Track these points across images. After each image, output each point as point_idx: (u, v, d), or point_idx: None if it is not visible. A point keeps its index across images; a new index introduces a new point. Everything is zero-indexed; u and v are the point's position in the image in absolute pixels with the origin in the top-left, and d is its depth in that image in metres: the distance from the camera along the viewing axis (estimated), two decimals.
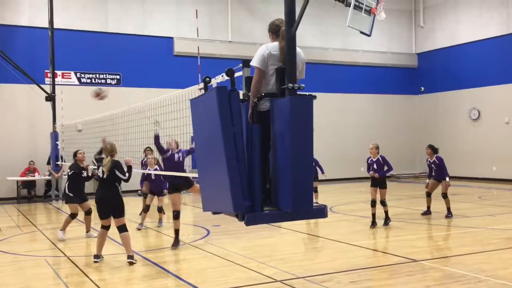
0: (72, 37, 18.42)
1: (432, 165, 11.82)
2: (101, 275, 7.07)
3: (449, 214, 11.51)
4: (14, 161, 17.26)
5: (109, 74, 19.19)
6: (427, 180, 12.04)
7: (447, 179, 11.59)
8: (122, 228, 7.65)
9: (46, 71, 17.70)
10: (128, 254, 7.60)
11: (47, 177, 17.44)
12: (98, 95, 11.07)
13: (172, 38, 20.08)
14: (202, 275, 7.01)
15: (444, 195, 11.58)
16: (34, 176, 17.29)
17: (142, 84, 19.18)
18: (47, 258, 8.32)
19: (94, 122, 15.34)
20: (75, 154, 10.11)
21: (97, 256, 7.75)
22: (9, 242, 9.90)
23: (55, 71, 17.35)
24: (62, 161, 16.63)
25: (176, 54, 20.09)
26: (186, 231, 10.17)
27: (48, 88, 17.23)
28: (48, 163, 17.42)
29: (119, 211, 7.65)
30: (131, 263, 7.48)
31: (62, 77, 18.30)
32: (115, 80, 19.31)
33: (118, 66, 19.26)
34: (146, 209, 11.08)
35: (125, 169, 7.80)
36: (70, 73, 18.59)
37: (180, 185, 8.91)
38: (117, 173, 7.65)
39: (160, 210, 11.27)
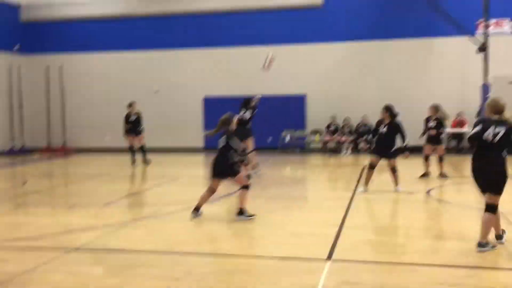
0: None
1: None
2: None
3: None
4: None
5: None
6: None
7: None
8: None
9: (479, 19, 17.26)
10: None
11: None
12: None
13: None
14: None
15: None
16: (462, 128, 17.47)
17: None
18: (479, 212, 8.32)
19: None
20: None
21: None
22: (440, 191, 10.39)
23: (488, 21, 16.71)
24: None
25: None
26: None
27: (480, 39, 16.81)
28: (478, 115, 17.19)
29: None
30: None
31: (495, 26, 17.49)
32: None
33: None
34: None
35: None
36: (503, 20, 17.58)
37: None
38: None
39: None
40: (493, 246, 5.99)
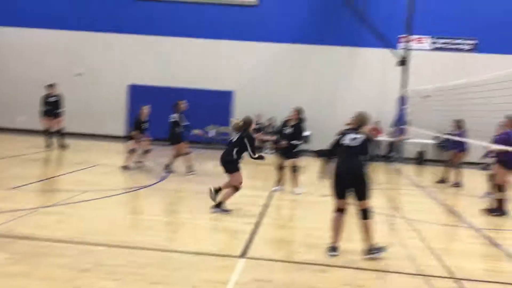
0: (430, 0, 18.26)
1: None
2: (439, 244, 7.02)
3: None
4: None
5: (464, 39, 18.41)
6: None
7: None
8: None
9: (401, 34, 18.12)
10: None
11: (389, 139, 18.19)
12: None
13: None
14: None
15: None
16: (378, 137, 18.29)
17: (502, 50, 17.77)
18: (384, 216, 8.76)
19: (443, 90, 15.04)
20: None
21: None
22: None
23: (409, 36, 17.59)
24: (407, 126, 17.05)
25: None
26: None
27: (401, 53, 17.65)
28: (393, 125, 18.08)
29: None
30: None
31: (416, 42, 18.45)
32: (471, 46, 18.40)
33: (475, 30, 18.31)
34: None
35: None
36: (424, 37, 18.60)
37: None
38: None
39: None
40: (384, 248, 6.17)
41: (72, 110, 18.31)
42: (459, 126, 12.96)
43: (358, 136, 6.25)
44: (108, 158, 14.32)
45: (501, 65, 14.30)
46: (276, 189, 10.37)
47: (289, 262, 5.83)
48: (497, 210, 9.28)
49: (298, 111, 10.33)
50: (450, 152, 13.51)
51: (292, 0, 19.08)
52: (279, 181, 10.48)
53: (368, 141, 6.25)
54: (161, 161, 13.10)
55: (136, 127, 12.32)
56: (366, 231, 6.17)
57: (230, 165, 8.23)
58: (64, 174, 11.33)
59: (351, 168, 6.11)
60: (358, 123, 6.41)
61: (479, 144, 10.93)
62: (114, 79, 19.74)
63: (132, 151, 12.15)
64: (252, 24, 19.24)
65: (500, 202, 9.31)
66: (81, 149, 15.62)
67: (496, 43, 17.98)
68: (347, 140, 6.25)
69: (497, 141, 9.53)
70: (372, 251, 6.11)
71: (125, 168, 11.91)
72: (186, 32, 19.44)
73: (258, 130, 18.86)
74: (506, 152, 9.14)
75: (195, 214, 7.89)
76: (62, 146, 15.18)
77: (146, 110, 12.40)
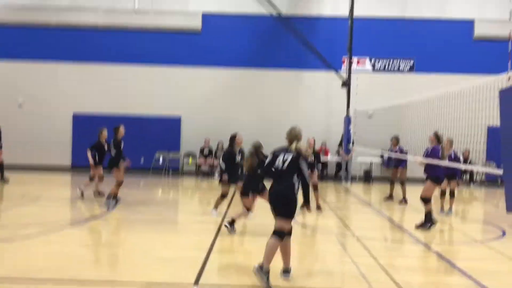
0: (370, 24, 18.98)
1: None
2: (388, 260, 7.17)
3: None
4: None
5: (402, 59, 19.17)
6: None
7: None
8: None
9: (344, 56, 18.69)
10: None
11: (337, 159, 18.55)
12: None
13: (472, 21, 18.87)
14: (495, 277, 6.43)
15: None
16: (326, 157, 18.62)
17: (437, 70, 18.67)
18: (337, 236, 8.87)
19: (385, 109, 15.56)
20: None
21: None
22: (303, 216, 10.90)
23: (352, 57, 18.18)
24: (353, 145, 17.45)
25: (477, 38, 18.83)
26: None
27: (344, 75, 18.19)
28: (340, 145, 18.48)
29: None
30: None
31: (357, 64, 19.08)
32: (408, 66, 19.18)
33: (412, 51, 19.16)
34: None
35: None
36: (365, 59, 19.26)
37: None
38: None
39: None
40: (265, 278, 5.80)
41: (14, 142, 17.71)
42: (396, 143, 13.48)
43: (288, 156, 6.02)
44: (52, 190, 13.86)
45: (436, 83, 15.07)
46: (214, 213, 10.28)
47: (241, 286, 5.78)
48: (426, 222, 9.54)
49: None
50: (392, 168, 13.92)
51: (234, 27, 19.33)
52: (216, 205, 10.44)
53: (299, 158, 5.99)
54: (107, 190, 12.80)
55: (96, 150, 11.99)
56: (271, 250, 5.88)
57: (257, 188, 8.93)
58: (5, 209, 10.85)
59: (280, 191, 6.00)
60: (289, 140, 6.18)
61: (414, 160, 11.26)
62: (58, 109, 19.26)
63: (101, 179, 12.03)
64: (197, 50, 19.34)
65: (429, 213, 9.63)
66: (24, 182, 15.05)
67: (432, 62, 18.85)
68: (278, 161, 6.04)
69: (426, 156, 9.88)
70: (260, 271, 5.78)
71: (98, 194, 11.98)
72: (131, 59, 19.29)
73: (208, 155, 18.82)
74: (434, 167, 9.53)
75: (144, 244, 7.72)
76: (3, 180, 14.58)
77: (105, 132, 12.03)
